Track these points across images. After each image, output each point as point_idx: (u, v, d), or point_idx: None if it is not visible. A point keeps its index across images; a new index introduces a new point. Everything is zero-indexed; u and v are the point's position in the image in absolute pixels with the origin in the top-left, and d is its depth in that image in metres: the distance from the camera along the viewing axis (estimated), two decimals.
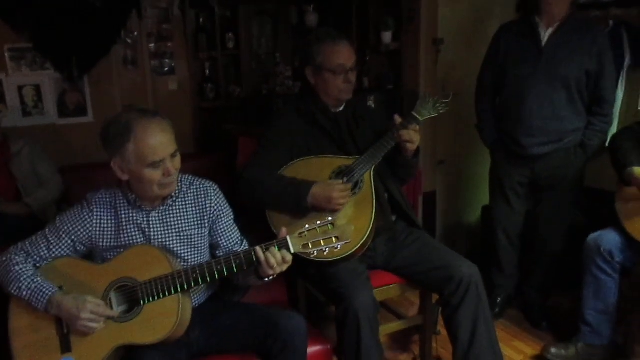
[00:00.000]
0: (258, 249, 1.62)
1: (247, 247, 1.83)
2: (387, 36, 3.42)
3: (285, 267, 1.64)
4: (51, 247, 1.70)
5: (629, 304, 2.27)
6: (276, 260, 1.61)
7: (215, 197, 1.81)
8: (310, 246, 1.61)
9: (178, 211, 1.77)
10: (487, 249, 2.87)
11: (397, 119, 2.13)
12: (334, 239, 1.60)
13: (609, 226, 2.27)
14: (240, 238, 1.87)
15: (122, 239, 1.72)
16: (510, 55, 2.52)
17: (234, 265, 1.63)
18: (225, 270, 1.64)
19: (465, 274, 2.04)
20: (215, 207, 1.80)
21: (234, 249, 1.82)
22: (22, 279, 1.62)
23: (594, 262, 2.23)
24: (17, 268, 1.64)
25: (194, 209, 1.78)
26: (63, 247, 1.71)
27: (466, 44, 3.26)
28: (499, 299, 2.78)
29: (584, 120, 2.50)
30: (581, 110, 2.49)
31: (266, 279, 1.68)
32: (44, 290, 1.61)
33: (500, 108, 2.62)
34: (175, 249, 1.75)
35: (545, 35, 2.44)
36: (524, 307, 2.85)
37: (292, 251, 1.62)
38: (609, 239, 2.24)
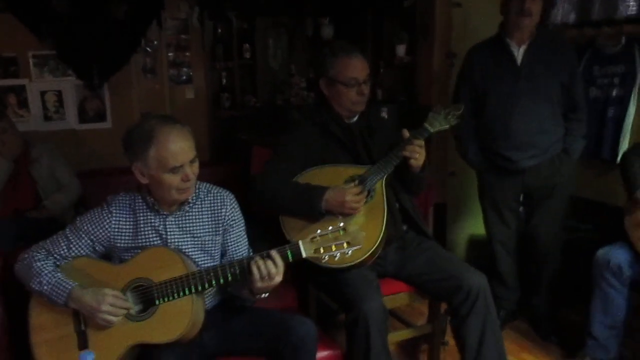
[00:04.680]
0: (274, 252, 1.66)
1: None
2: (401, 49, 3.47)
3: (275, 283, 1.65)
4: (71, 246, 1.75)
5: (638, 319, 2.27)
6: (269, 271, 1.63)
7: (231, 206, 1.86)
8: (322, 251, 1.64)
9: (194, 217, 1.82)
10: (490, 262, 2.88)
11: (405, 133, 2.15)
12: (345, 244, 1.63)
13: (618, 240, 2.28)
14: (247, 249, 1.91)
15: (140, 241, 1.77)
16: (487, 75, 2.58)
17: (245, 269, 1.67)
18: (238, 273, 1.67)
19: (474, 284, 2.06)
20: (230, 216, 1.85)
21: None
22: (43, 274, 1.68)
23: (603, 276, 2.24)
24: (38, 264, 1.70)
25: (209, 215, 1.83)
26: (82, 246, 1.76)
27: None
28: (502, 311, 2.79)
29: (563, 128, 2.57)
30: (561, 120, 2.57)
31: (257, 296, 1.71)
32: (64, 284, 1.67)
33: (485, 127, 2.64)
34: (190, 253, 1.79)
35: (519, 53, 2.52)
36: (532, 320, 2.85)
37: (304, 255, 1.65)
38: (618, 253, 2.25)
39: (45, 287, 1.67)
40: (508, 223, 2.73)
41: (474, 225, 3.60)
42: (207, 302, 1.81)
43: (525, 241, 2.79)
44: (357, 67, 2.17)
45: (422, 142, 2.13)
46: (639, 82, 2.81)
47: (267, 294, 1.73)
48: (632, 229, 2.23)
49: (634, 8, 2.79)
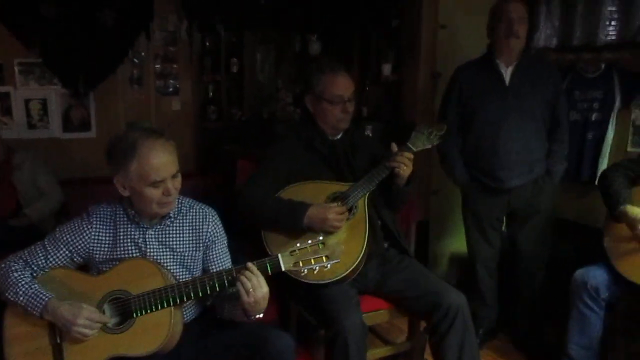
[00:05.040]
0: (250, 264, 1.66)
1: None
2: (387, 68, 3.52)
3: (260, 294, 1.64)
4: (49, 256, 1.74)
5: (612, 339, 2.30)
6: (252, 284, 1.62)
7: (213, 222, 1.86)
8: (301, 264, 1.65)
9: (175, 231, 1.81)
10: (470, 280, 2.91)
11: (394, 147, 2.18)
12: (324, 258, 1.64)
13: (596, 261, 2.31)
14: (230, 265, 1.90)
15: (118, 253, 1.76)
16: (475, 93, 2.63)
17: (225, 281, 1.67)
18: (217, 285, 1.67)
19: (453, 302, 2.08)
20: (212, 233, 1.85)
21: None
22: (19, 284, 1.66)
23: (580, 297, 2.26)
24: (15, 275, 1.69)
25: (190, 231, 1.82)
26: (60, 257, 1.75)
27: None
28: (481, 330, 2.81)
29: (546, 148, 2.63)
30: (545, 139, 2.63)
31: (252, 317, 1.69)
32: (41, 296, 1.65)
33: (471, 145, 2.68)
34: (169, 267, 1.78)
35: (507, 73, 2.57)
36: (512, 338, 2.87)
37: (283, 268, 1.66)
38: (595, 275, 2.27)
39: (21, 298, 1.65)
40: (491, 242, 2.76)
41: (456, 243, 3.63)
42: (185, 315, 1.80)
43: (508, 260, 2.81)
44: (342, 85, 2.20)
45: (411, 155, 2.16)
46: (617, 107, 2.89)
47: (261, 314, 1.70)
48: (613, 246, 2.26)
49: (613, 35, 2.87)
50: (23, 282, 1.67)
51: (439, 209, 3.55)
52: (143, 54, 3.81)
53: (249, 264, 1.66)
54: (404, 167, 2.13)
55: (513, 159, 2.57)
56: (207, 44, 4.03)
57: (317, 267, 1.64)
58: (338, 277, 2.00)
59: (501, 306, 2.88)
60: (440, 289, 2.13)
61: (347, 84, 2.21)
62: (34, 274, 1.73)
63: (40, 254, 1.74)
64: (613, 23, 2.86)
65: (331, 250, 1.65)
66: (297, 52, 4.24)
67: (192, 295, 1.67)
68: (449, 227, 3.59)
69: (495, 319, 2.88)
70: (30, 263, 1.73)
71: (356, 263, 2.04)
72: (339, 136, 2.30)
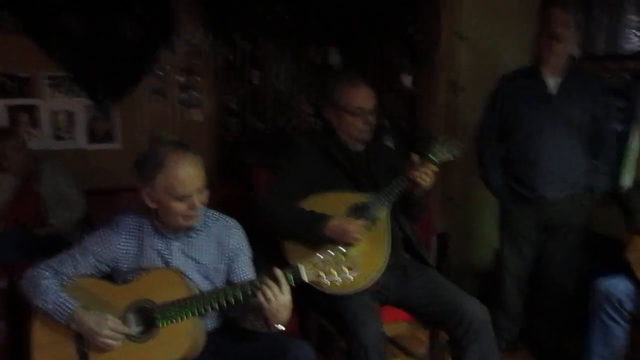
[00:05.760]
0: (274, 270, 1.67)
1: None
2: (406, 78, 3.52)
3: (281, 302, 1.64)
4: (77, 265, 1.78)
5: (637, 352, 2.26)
6: (273, 292, 1.63)
7: (237, 235, 1.87)
8: (322, 275, 1.66)
9: (200, 244, 1.83)
10: (495, 292, 2.87)
11: (414, 157, 2.17)
12: (345, 269, 1.65)
13: (618, 272, 2.28)
14: (254, 277, 1.91)
15: (143, 263, 1.79)
16: (517, 103, 2.59)
17: (248, 292, 1.68)
18: (240, 296, 1.68)
19: (475, 315, 2.07)
20: (236, 245, 1.86)
21: None
22: (48, 292, 1.70)
23: (603, 309, 2.23)
24: (44, 282, 1.73)
25: (215, 243, 1.84)
26: (88, 266, 1.78)
27: (484, 88, 3.33)
28: (503, 342, 2.77)
29: (590, 163, 2.57)
30: (589, 154, 2.57)
31: (274, 327, 1.70)
32: (68, 305, 1.69)
33: (511, 155, 2.66)
34: (193, 278, 1.79)
35: (552, 82, 2.53)
36: (537, 351, 2.83)
37: (305, 279, 1.67)
38: (619, 287, 2.24)
39: (50, 306, 1.69)
40: (524, 256, 2.70)
41: (478, 255, 3.61)
42: (207, 325, 1.82)
43: (538, 273, 2.76)
44: (363, 97, 2.22)
45: (435, 167, 2.14)
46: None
47: (283, 326, 1.71)
48: (636, 257, 2.23)
49: (638, 44, 2.84)
50: (52, 290, 1.71)
51: (460, 221, 3.53)
52: (167, 66, 3.87)
53: (275, 269, 1.67)
54: (426, 178, 2.13)
55: (553, 171, 2.52)
56: (229, 56, 4.09)
57: (338, 278, 1.65)
58: (359, 288, 2.01)
59: (523, 318, 2.84)
60: (462, 300, 2.11)
61: (368, 96, 2.23)
62: (62, 282, 1.76)
63: (69, 263, 1.78)
64: (637, 32, 2.83)
65: (352, 261, 1.66)
66: (316, 63, 4.27)
67: (216, 305, 1.69)
68: (470, 239, 3.56)
69: (518, 332, 2.84)
70: (59, 271, 1.77)
71: (377, 274, 2.05)
72: (359, 147, 2.31)
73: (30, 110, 3.62)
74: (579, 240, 2.66)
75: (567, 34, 2.46)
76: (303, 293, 2.00)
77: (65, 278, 1.77)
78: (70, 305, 1.69)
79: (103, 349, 1.67)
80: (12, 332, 1.89)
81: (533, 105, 2.55)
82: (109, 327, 1.65)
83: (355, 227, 2.06)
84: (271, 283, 1.65)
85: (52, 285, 1.73)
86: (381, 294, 2.17)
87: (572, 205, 2.57)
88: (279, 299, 1.64)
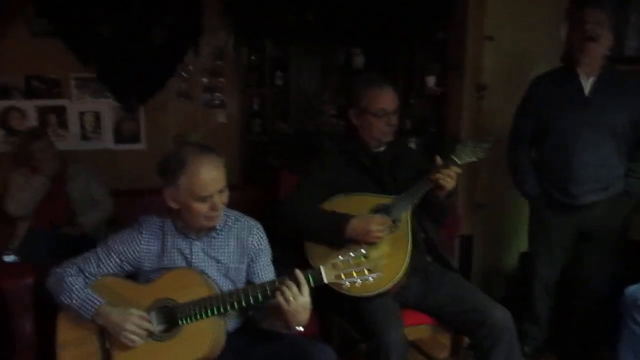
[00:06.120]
0: (294, 271, 1.67)
1: None
2: (431, 80, 3.49)
3: (300, 302, 1.64)
4: (101, 264, 1.81)
5: None
6: (292, 293, 1.63)
7: (258, 236, 1.88)
8: (343, 277, 1.65)
9: (221, 244, 1.84)
10: (523, 297, 2.82)
11: (438, 159, 2.15)
12: (366, 271, 1.64)
13: None
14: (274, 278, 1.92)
15: (166, 263, 1.81)
16: (551, 105, 2.53)
17: (268, 292, 1.68)
18: (260, 296, 1.69)
19: (498, 319, 2.03)
20: (256, 246, 1.87)
21: None
22: (73, 289, 1.74)
23: (632, 317, 2.17)
24: (70, 279, 1.76)
25: (236, 244, 1.85)
26: (111, 265, 1.81)
27: (510, 91, 3.29)
28: (527, 348, 2.73)
29: (626, 167, 2.50)
30: (624, 157, 2.50)
31: (293, 329, 1.70)
32: (93, 300, 1.72)
33: (545, 158, 2.60)
34: (214, 278, 1.81)
35: (588, 84, 2.46)
36: (564, 357, 2.78)
37: (325, 280, 1.66)
38: None
39: (74, 302, 1.72)
40: (556, 262, 2.65)
41: (502, 259, 3.56)
42: (228, 325, 1.83)
43: (569, 279, 2.69)
44: (386, 99, 2.21)
45: (458, 169, 2.12)
46: None
47: (301, 327, 1.71)
48: None
49: None
50: (77, 287, 1.74)
51: (484, 223, 3.48)
52: (191, 67, 3.92)
53: (296, 270, 1.67)
54: (449, 180, 2.11)
55: (588, 175, 2.46)
56: (253, 57, 4.11)
57: (360, 280, 1.64)
58: (380, 291, 2.00)
59: (550, 324, 2.79)
60: (485, 305, 2.08)
61: (392, 97, 2.22)
62: (87, 280, 1.79)
63: (93, 261, 1.81)
64: None
65: (374, 263, 1.65)
66: (341, 65, 4.27)
67: (236, 305, 1.70)
68: (495, 242, 3.51)
69: (544, 338, 2.79)
70: (83, 269, 1.80)
71: (399, 277, 2.03)
72: (382, 148, 2.30)
73: (59, 111, 3.71)
74: (613, 247, 2.59)
75: (602, 33, 2.39)
76: (324, 295, 2.00)
77: (89, 276, 1.80)
78: (95, 301, 1.72)
79: (126, 346, 1.69)
80: (39, 329, 1.92)
81: (568, 107, 2.48)
82: (134, 322, 1.68)
83: (377, 226, 2.05)
84: (291, 284, 1.65)
85: (77, 282, 1.76)
86: (402, 296, 2.16)
87: (608, 210, 2.51)
88: (299, 300, 1.64)
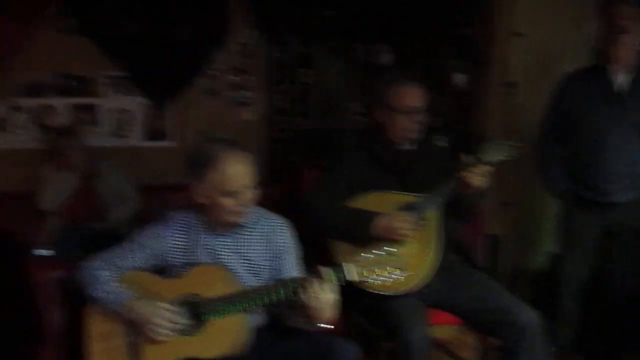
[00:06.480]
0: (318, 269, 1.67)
1: None
2: (458, 77, 3.46)
3: (324, 300, 1.64)
4: (128, 258, 1.83)
5: None
6: (316, 290, 1.64)
7: (284, 233, 1.88)
8: (366, 274, 1.65)
9: (248, 241, 1.85)
10: (550, 297, 2.78)
11: (463, 157, 2.13)
12: (389, 269, 1.63)
13: None
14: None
15: (192, 258, 1.83)
16: (581, 101, 2.50)
17: (293, 289, 1.69)
18: (285, 293, 1.70)
19: (526, 320, 2.01)
20: (283, 243, 1.87)
21: None
22: (102, 282, 1.77)
23: None
24: (97, 272, 1.79)
25: (262, 241, 1.86)
26: (138, 259, 1.84)
27: (537, 88, 3.24)
28: (554, 348, 2.68)
29: None
30: None
31: (317, 326, 1.70)
32: (121, 293, 1.75)
33: (574, 155, 2.56)
34: (239, 275, 1.82)
35: (619, 80, 2.43)
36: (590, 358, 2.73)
37: (349, 278, 1.66)
38: None
39: (103, 295, 1.76)
40: (583, 261, 2.61)
41: (528, 258, 3.51)
42: (254, 321, 1.84)
43: (598, 279, 2.66)
44: (413, 96, 2.20)
45: (486, 167, 2.08)
46: None
47: (328, 325, 1.71)
48: None
49: None
50: (105, 280, 1.78)
51: (510, 222, 3.44)
52: (218, 65, 3.95)
53: (318, 268, 1.67)
54: (477, 179, 2.07)
55: (618, 172, 2.43)
56: (278, 55, 4.13)
57: (384, 278, 1.64)
58: (405, 290, 1.99)
59: (578, 325, 2.74)
60: (512, 306, 2.06)
61: (418, 94, 2.21)
62: (114, 274, 1.81)
63: (121, 256, 1.84)
64: None
65: (398, 261, 1.64)
66: (365, 62, 4.26)
67: (261, 302, 1.71)
68: (521, 241, 3.47)
69: (571, 339, 2.74)
70: (111, 263, 1.83)
71: (425, 276, 2.02)
72: (407, 146, 2.28)
73: (90, 109, 3.78)
74: None
75: (634, 26, 2.36)
76: (347, 292, 2.00)
77: (117, 270, 1.83)
78: (122, 294, 1.75)
79: (153, 339, 1.72)
80: (68, 323, 1.96)
81: (600, 104, 2.45)
82: (161, 315, 1.70)
83: (403, 224, 2.03)
84: (315, 281, 1.65)
85: (103, 275, 1.79)
86: (425, 294, 2.14)
87: (638, 209, 2.46)
88: (323, 297, 1.65)
